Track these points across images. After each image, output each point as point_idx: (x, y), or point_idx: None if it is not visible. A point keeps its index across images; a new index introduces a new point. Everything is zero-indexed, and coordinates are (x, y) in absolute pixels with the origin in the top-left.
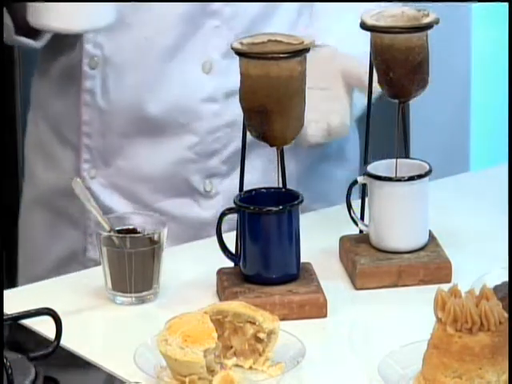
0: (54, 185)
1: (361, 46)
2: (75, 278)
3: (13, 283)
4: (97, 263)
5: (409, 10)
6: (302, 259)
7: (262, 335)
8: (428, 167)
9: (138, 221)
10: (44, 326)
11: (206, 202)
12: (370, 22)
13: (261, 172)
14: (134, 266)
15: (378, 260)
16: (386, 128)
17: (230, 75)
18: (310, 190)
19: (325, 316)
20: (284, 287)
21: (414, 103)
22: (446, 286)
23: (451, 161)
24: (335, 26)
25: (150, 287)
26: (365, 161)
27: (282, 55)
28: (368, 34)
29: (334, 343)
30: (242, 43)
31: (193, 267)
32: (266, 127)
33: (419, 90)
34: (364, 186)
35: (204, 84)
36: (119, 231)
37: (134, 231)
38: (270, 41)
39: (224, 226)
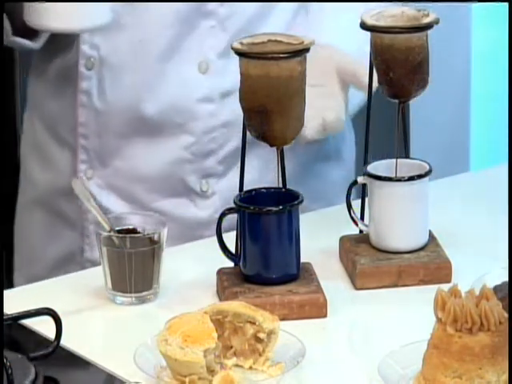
0: (50, 185)
1: (356, 45)
2: (75, 278)
3: (10, 283)
4: (94, 264)
5: (409, 10)
6: (302, 259)
7: (261, 335)
8: (428, 167)
9: (137, 221)
10: (44, 326)
11: (202, 201)
12: (370, 21)
13: (258, 172)
14: (134, 266)
15: (377, 260)
16: (386, 128)
17: (226, 75)
18: (306, 189)
19: (325, 316)
20: (284, 287)
21: (413, 103)
22: (446, 286)
23: (451, 161)
24: (331, 25)
25: (150, 287)
26: (365, 161)
27: (281, 55)
28: (364, 33)
29: (333, 343)
30: (242, 43)
31: (193, 267)
32: (265, 127)
33: (419, 90)
34: (364, 185)
35: (200, 84)
36: (119, 231)
37: (134, 231)
38: (270, 41)
39: (224, 224)
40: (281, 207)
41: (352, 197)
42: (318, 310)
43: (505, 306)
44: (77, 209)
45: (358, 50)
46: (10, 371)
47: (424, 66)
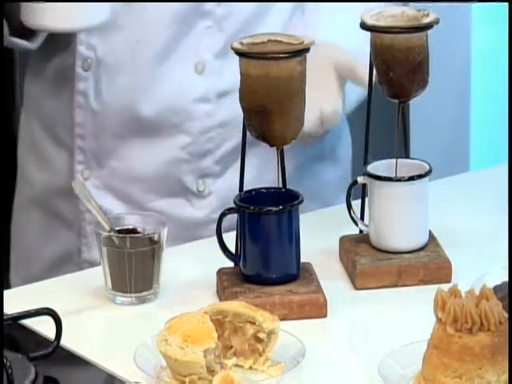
0: (47, 185)
1: (355, 44)
2: (75, 278)
3: (6, 283)
4: (92, 265)
5: (409, 10)
6: (302, 259)
7: (262, 335)
8: (428, 167)
9: (137, 221)
10: (44, 326)
11: (199, 201)
12: (370, 21)
13: (255, 172)
14: (134, 266)
15: (377, 260)
16: (386, 128)
17: (223, 75)
18: (302, 189)
19: (325, 316)
20: (284, 287)
21: (413, 103)
22: (446, 286)
23: (451, 161)
24: (327, 25)
25: (150, 287)
26: (365, 161)
27: (281, 55)
28: (364, 33)
29: (333, 343)
30: (242, 43)
31: (193, 267)
32: (266, 127)
33: (419, 90)
34: (364, 185)
35: (196, 84)
36: (119, 231)
37: (134, 231)
38: (270, 41)
39: (224, 224)
40: (281, 207)
41: (352, 197)
42: (318, 310)
43: (505, 306)
44: (74, 209)
45: (356, 50)
46: (10, 371)
47: (424, 66)
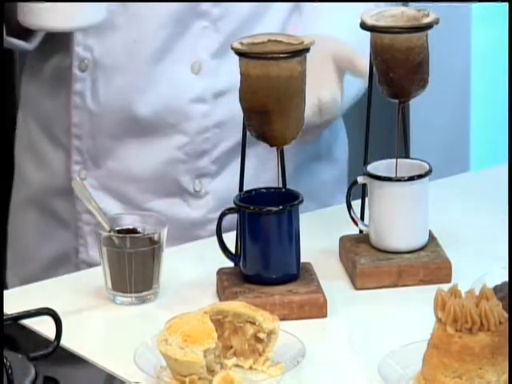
0: (44, 185)
1: (354, 43)
2: (75, 278)
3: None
4: (89, 265)
5: (409, 10)
6: (302, 259)
7: (262, 335)
8: (428, 167)
9: (137, 221)
10: (44, 326)
11: (195, 202)
12: (370, 21)
13: (253, 171)
14: (134, 266)
15: (378, 260)
16: (386, 128)
17: (219, 76)
18: (298, 189)
19: (325, 316)
20: (284, 287)
21: (413, 103)
22: (446, 286)
23: (451, 161)
24: (325, 25)
25: (150, 287)
26: (365, 161)
27: (281, 55)
28: (361, 32)
29: (333, 343)
30: (242, 43)
31: (193, 267)
32: (265, 127)
33: (419, 90)
34: (364, 185)
35: (193, 84)
36: (119, 231)
37: (133, 231)
38: (270, 41)
39: (224, 224)
40: (281, 207)
41: (351, 197)
42: (318, 310)
43: (505, 306)
44: (71, 209)
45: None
46: (10, 371)
47: (424, 66)
